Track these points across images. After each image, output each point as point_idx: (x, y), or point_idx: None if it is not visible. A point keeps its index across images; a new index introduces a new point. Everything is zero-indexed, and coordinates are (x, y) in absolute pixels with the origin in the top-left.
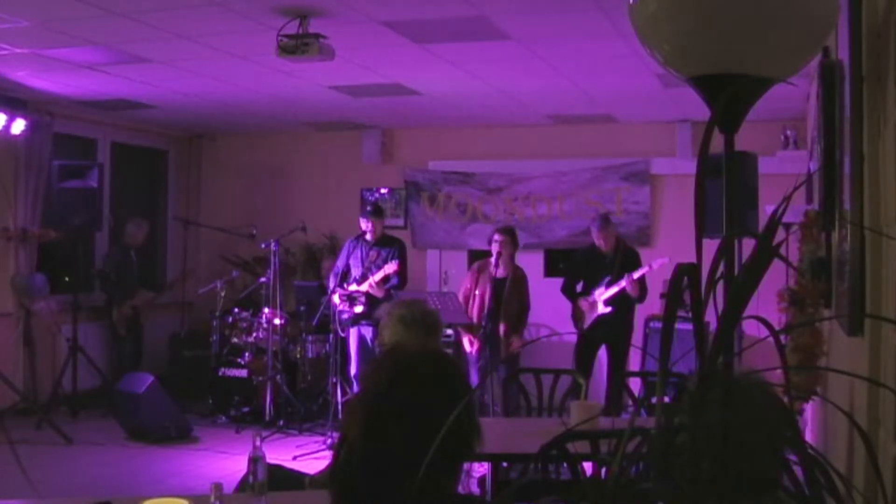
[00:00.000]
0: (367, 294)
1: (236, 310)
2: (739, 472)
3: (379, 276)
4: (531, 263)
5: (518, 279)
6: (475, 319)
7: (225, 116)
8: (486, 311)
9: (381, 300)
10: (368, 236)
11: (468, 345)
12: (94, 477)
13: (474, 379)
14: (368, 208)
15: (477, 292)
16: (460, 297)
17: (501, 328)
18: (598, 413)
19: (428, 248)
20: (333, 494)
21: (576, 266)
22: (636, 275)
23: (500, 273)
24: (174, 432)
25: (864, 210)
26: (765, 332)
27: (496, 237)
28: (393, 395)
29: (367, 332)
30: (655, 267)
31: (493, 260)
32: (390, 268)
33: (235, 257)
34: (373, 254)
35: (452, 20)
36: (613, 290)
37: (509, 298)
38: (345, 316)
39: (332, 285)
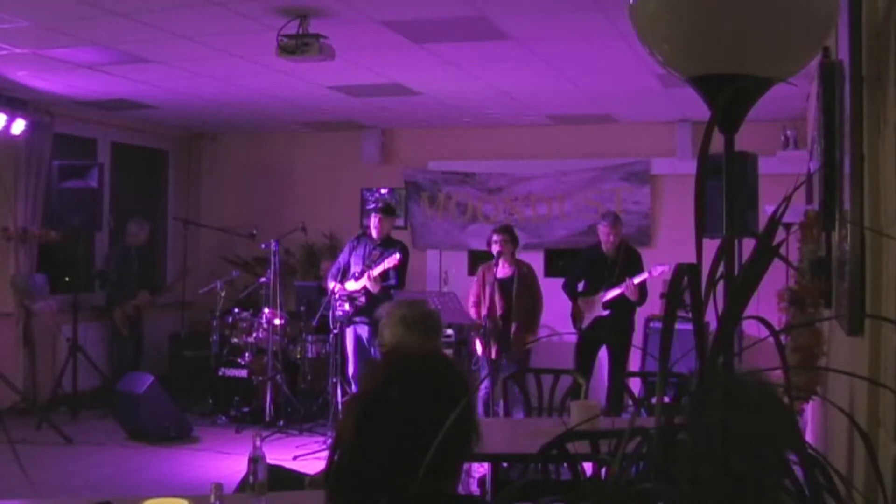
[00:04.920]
0: (365, 292)
1: (236, 310)
2: (740, 473)
3: (379, 269)
4: (531, 263)
5: (526, 276)
6: (483, 321)
7: (225, 116)
8: (496, 312)
9: (377, 297)
10: (374, 233)
11: (479, 348)
12: (94, 477)
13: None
14: (380, 205)
15: (486, 294)
16: (470, 303)
17: (513, 326)
18: (598, 413)
19: (428, 248)
20: (328, 495)
21: (578, 266)
22: (636, 280)
23: (504, 273)
24: (174, 432)
25: (864, 210)
26: (765, 332)
27: (495, 237)
28: (386, 395)
29: (364, 331)
30: (655, 274)
31: (494, 260)
32: (392, 261)
33: (235, 257)
34: (375, 253)
35: (452, 20)
36: (614, 292)
37: (519, 296)
38: (338, 313)
39: (331, 282)
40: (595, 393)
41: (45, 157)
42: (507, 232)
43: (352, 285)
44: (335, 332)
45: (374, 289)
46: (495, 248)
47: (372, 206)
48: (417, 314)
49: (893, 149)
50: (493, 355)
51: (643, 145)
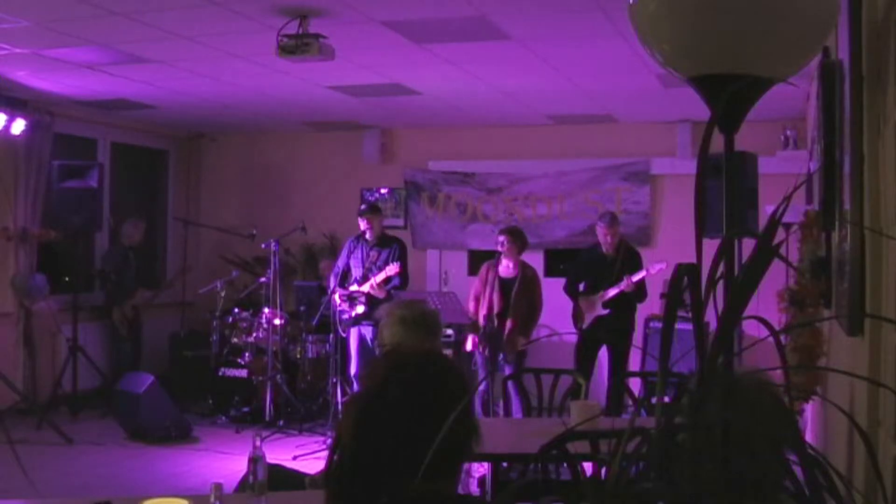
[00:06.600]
0: (367, 294)
1: (236, 310)
2: (740, 473)
3: (381, 277)
4: (531, 263)
5: (529, 279)
6: (482, 320)
7: (225, 116)
8: (494, 310)
9: (381, 300)
10: (368, 235)
11: (470, 344)
12: (94, 477)
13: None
14: (363, 207)
15: (486, 292)
16: (470, 298)
17: (508, 326)
18: (598, 413)
19: (428, 248)
20: (327, 495)
21: (578, 267)
22: (635, 278)
23: (507, 273)
24: (174, 432)
25: (864, 210)
26: (765, 332)
27: (500, 238)
28: (386, 395)
29: (368, 332)
30: (653, 272)
31: (497, 259)
32: (392, 270)
33: (235, 257)
34: (373, 254)
35: (452, 20)
36: (614, 291)
37: (518, 298)
38: (345, 316)
39: (332, 285)
40: (595, 393)
41: (45, 157)
42: (512, 234)
43: (355, 289)
44: (342, 335)
45: (379, 294)
46: (499, 249)
47: (363, 207)
48: (417, 314)
49: (893, 149)
50: (487, 354)
51: (643, 145)
